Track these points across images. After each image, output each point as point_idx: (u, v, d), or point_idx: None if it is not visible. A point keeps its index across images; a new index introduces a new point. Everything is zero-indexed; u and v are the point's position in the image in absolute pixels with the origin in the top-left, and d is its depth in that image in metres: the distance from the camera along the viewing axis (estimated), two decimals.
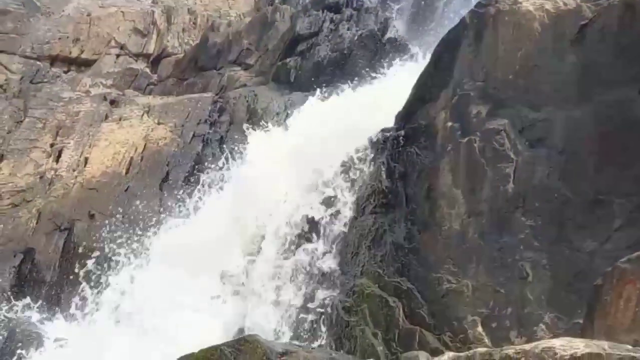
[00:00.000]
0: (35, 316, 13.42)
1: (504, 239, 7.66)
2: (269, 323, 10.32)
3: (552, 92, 7.80)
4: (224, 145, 15.43)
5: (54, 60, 20.09)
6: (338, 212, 10.37)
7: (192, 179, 14.84)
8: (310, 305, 9.90)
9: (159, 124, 16.66)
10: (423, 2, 21.55)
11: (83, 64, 20.30)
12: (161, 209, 14.31)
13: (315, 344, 9.40)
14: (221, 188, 13.47)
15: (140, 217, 14.09)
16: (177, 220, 13.54)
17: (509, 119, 8.12)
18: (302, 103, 15.06)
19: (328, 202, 10.64)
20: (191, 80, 19.44)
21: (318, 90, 14.14)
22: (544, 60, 7.99)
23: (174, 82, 19.89)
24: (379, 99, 12.07)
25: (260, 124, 14.97)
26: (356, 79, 14.91)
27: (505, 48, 8.45)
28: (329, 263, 10.02)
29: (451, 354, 5.57)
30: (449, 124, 8.84)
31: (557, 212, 7.32)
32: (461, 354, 5.44)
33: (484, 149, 8.23)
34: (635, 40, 7.20)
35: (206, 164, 14.82)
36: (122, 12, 21.55)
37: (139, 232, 13.71)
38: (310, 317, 9.82)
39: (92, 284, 13.20)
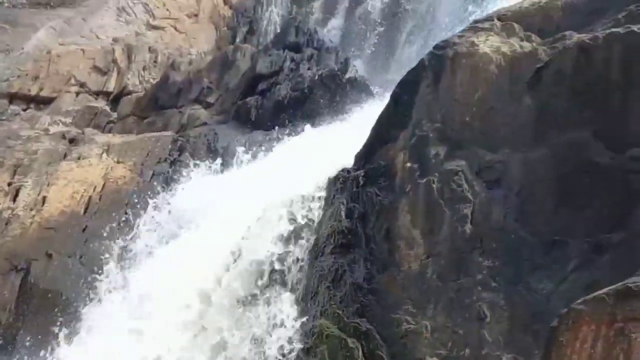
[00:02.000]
0: None
1: (462, 279, 7.69)
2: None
3: (509, 134, 7.88)
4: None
5: (12, 97, 19.99)
6: (297, 252, 10.36)
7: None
8: (268, 347, 9.81)
9: (118, 162, 16.57)
10: (383, 42, 21.86)
11: (42, 102, 20.19)
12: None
13: None
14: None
15: (98, 257, 13.94)
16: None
17: (467, 160, 8.19)
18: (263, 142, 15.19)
19: (287, 241, 10.60)
20: (151, 119, 19.38)
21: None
22: (501, 103, 8.08)
23: (134, 120, 19.81)
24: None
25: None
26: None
27: (462, 90, 8.53)
28: (288, 304, 9.98)
29: None
30: (408, 164, 8.89)
31: (514, 252, 7.37)
32: None
33: (443, 189, 8.28)
34: (590, 84, 7.32)
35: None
36: (82, 50, 21.50)
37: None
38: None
39: (50, 325, 12.98)
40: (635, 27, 7.03)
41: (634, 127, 6.84)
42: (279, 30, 22.11)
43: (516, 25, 8.51)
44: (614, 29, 7.27)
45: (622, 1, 7.64)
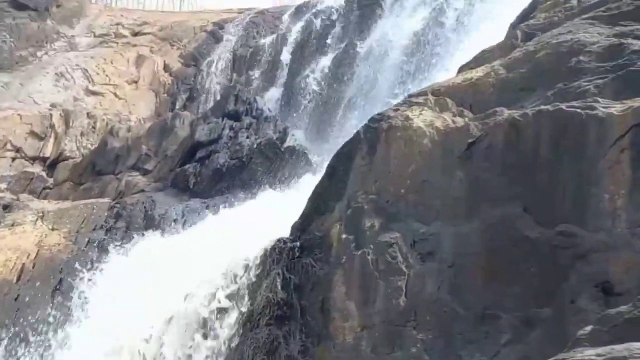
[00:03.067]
0: None
1: (396, 352, 7.68)
2: None
3: (442, 207, 7.97)
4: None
5: None
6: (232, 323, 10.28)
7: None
8: None
9: (53, 229, 16.32)
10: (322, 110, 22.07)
11: None
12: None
13: None
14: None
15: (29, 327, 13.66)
16: None
17: (401, 232, 8.24)
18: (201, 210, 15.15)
19: (221, 313, 10.52)
20: (88, 185, 19.21)
21: None
22: (434, 176, 8.19)
23: (70, 186, 19.62)
24: None
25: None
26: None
27: (397, 163, 8.63)
28: None
29: None
30: (344, 236, 8.92)
31: (447, 326, 7.40)
32: None
33: (377, 261, 8.31)
34: (520, 159, 7.47)
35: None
36: (19, 115, 21.32)
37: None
38: None
39: None
40: (563, 105, 7.22)
41: (562, 203, 6.99)
42: (218, 98, 22.19)
43: (449, 100, 8.69)
44: (543, 107, 7.46)
45: (551, 79, 7.87)
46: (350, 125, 18.89)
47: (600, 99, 7.08)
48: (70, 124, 21.52)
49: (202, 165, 17.55)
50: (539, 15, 9.45)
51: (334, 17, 24.67)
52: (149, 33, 26.89)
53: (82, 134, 21.37)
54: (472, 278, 7.40)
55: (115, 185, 18.61)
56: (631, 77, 7.17)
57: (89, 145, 21.14)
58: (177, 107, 23.77)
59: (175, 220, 15.75)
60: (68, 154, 20.87)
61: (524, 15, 10.24)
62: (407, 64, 20.27)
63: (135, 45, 26.06)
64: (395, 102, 10.78)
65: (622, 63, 7.37)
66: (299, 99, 22.89)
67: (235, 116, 18.65)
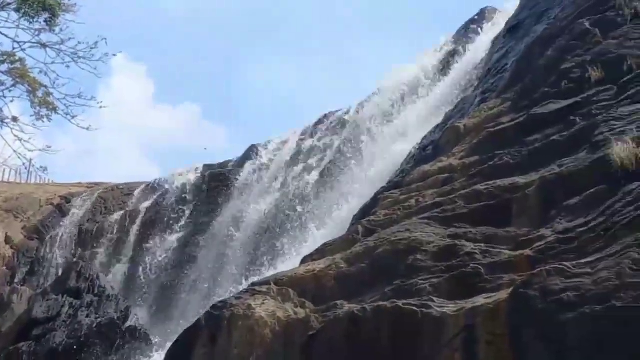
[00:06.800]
0: None
1: None
2: None
3: None
4: None
5: None
6: None
7: None
8: None
9: None
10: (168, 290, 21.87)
11: None
12: None
13: None
14: None
15: None
16: None
17: None
18: None
19: None
20: None
21: None
22: None
23: None
24: None
25: None
26: None
27: (238, 352, 8.54)
28: None
29: None
30: None
31: None
32: None
33: None
34: (360, 353, 7.53)
35: None
36: None
37: None
38: None
39: None
40: (400, 302, 7.39)
41: None
42: (60, 273, 21.68)
43: (291, 291, 8.77)
44: (381, 302, 7.61)
45: (390, 275, 8.10)
46: (195, 305, 18.76)
47: (435, 298, 7.30)
48: None
49: (38, 344, 16.88)
50: (380, 211, 9.83)
51: (185, 195, 24.92)
52: None
53: None
54: None
55: None
56: (464, 278, 7.47)
57: None
58: (16, 280, 23.07)
59: None
60: None
61: (366, 210, 10.63)
62: (255, 246, 20.49)
63: None
64: (241, 286, 10.79)
65: (456, 264, 7.68)
66: (145, 276, 22.69)
67: (76, 293, 18.21)
